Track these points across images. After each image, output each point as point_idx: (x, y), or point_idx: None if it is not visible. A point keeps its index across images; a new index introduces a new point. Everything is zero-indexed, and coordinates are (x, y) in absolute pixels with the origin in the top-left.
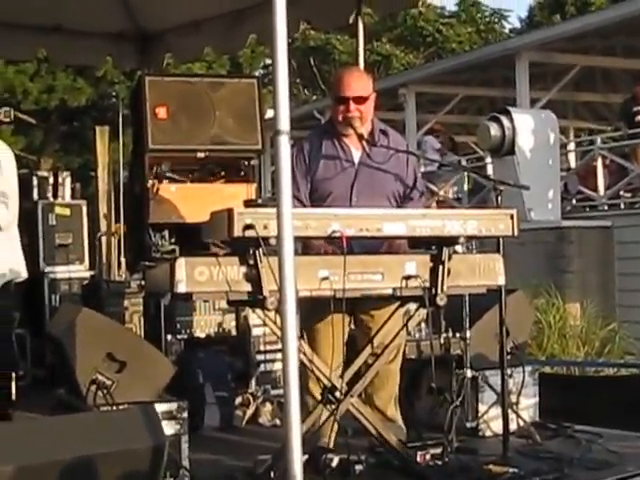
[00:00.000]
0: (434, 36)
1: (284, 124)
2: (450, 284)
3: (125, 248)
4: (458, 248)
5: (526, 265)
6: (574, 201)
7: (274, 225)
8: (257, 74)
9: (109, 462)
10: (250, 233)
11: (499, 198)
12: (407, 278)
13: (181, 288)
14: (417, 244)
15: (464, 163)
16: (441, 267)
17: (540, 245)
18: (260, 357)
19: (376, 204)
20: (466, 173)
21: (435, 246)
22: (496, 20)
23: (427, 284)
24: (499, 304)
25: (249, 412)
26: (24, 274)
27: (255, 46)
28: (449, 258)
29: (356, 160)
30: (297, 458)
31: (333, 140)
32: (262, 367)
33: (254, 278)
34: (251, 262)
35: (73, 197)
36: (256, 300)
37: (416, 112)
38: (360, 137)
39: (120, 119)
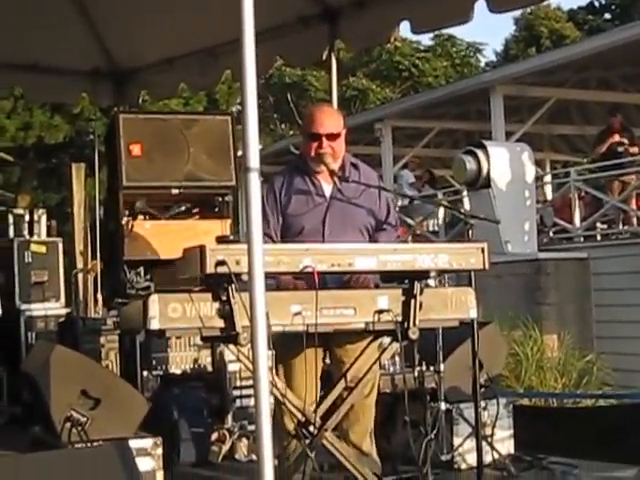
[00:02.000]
0: (410, 70)
1: (254, 161)
2: (422, 318)
3: (101, 285)
4: (430, 282)
5: (503, 297)
6: (550, 233)
7: (246, 261)
8: (233, 110)
9: None
10: (222, 269)
11: (470, 232)
12: (379, 312)
13: (154, 325)
14: (389, 278)
15: (441, 197)
16: (413, 301)
17: (517, 277)
18: (236, 392)
19: (349, 238)
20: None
21: (407, 280)
22: (471, 54)
23: (399, 318)
24: (471, 337)
25: (225, 448)
26: None
27: (231, 82)
28: (421, 292)
29: (327, 195)
30: None
31: (304, 176)
32: (238, 402)
33: (227, 314)
34: (224, 298)
35: (49, 234)
36: (229, 336)
37: (393, 146)
38: (332, 173)
39: (96, 156)
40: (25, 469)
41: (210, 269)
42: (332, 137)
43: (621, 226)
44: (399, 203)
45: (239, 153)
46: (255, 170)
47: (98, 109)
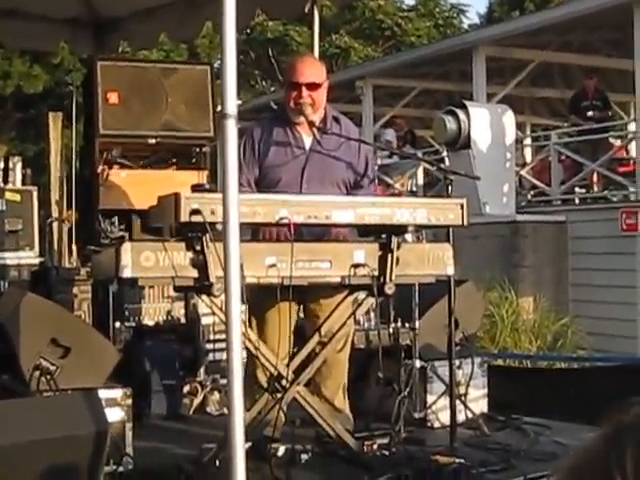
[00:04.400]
0: (392, 29)
1: (231, 108)
2: (399, 273)
3: (76, 235)
4: (408, 237)
5: (480, 259)
6: (529, 196)
7: (221, 210)
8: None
9: (50, 448)
10: (197, 218)
11: (449, 188)
12: (355, 266)
13: (126, 273)
14: (366, 232)
15: (420, 156)
16: (390, 256)
17: (494, 239)
18: (209, 346)
19: (326, 191)
20: (422, 167)
21: (384, 235)
22: (455, 15)
23: (376, 273)
24: (448, 294)
25: (197, 401)
26: None
27: (213, 36)
28: (398, 247)
29: (307, 147)
30: (239, 445)
31: (284, 127)
32: (211, 356)
33: (201, 264)
34: (198, 248)
35: (24, 183)
36: (202, 286)
37: (373, 105)
38: (311, 124)
39: (74, 106)
40: None
41: (184, 217)
42: (312, 87)
43: (596, 189)
44: (378, 162)
45: (218, 108)
46: (232, 117)
47: (78, 60)
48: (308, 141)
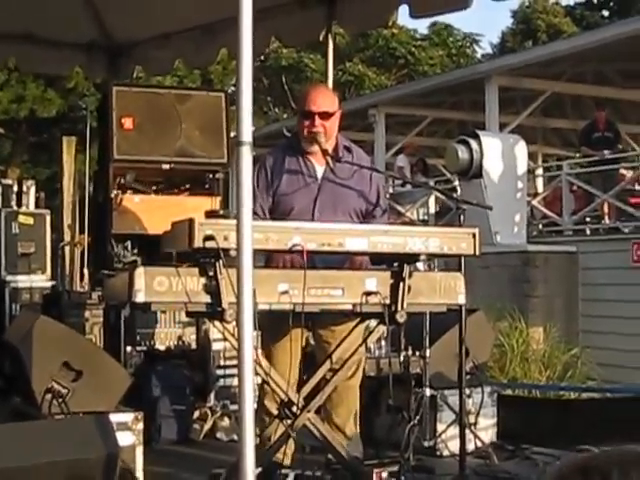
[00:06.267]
0: (406, 58)
1: (246, 135)
2: (410, 301)
3: (88, 259)
4: (419, 265)
5: (491, 288)
6: (540, 226)
7: (235, 237)
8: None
9: (61, 470)
10: (210, 244)
11: (462, 217)
12: (367, 294)
13: (140, 298)
14: (379, 260)
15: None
16: (402, 284)
17: (505, 269)
18: (220, 372)
19: (338, 220)
20: (433, 196)
21: (396, 263)
22: (468, 44)
23: (387, 301)
24: (459, 323)
25: (207, 426)
26: None
27: (227, 62)
28: (410, 275)
29: (319, 175)
30: (250, 471)
31: (297, 155)
32: (221, 382)
33: (213, 290)
34: (211, 274)
35: (37, 206)
36: (215, 312)
37: (386, 133)
38: (324, 152)
39: (88, 131)
40: (3, 439)
41: (198, 243)
42: (325, 116)
43: (607, 220)
44: (390, 190)
45: (232, 134)
46: (247, 144)
47: (92, 85)
48: (320, 170)
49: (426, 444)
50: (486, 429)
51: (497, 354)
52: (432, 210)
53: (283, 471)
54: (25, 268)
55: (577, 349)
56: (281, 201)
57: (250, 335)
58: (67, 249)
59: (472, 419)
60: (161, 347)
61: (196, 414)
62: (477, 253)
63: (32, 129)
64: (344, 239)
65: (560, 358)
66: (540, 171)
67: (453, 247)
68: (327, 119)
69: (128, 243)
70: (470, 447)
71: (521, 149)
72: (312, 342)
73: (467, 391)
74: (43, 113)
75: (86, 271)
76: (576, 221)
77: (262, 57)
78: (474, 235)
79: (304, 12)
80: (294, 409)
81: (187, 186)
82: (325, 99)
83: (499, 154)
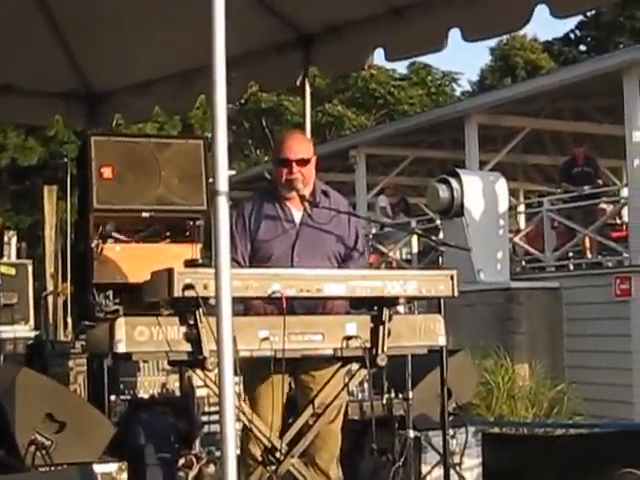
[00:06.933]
0: (385, 98)
1: (223, 185)
2: (391, 344)
3: (71, 308)
4: (399, 309)
5: (475, 326)
6: (523, 262)
7: (214, 285)
8: (207, 136)
9: None
10: (190, 293)
11: (440, 259)
12: (348, 338)
13: (121, 348)
14: (358, 304)
15: (414, 225)
16: (382, 327)
17: (489, 306)
18: (204, 418)
19: (317, 264)
20: (415, 235)
21: (376, 306)
22: (447, 83)
23: (368, 344)
24: (440, 365)
25: (192, 474)
26: None
27: (206, 108)
28: (390, 319)
29: (297, 221)
30: None
31: (274, 202)
32: (206, 428)
33: (194, 338)
34: (191, 322)
35: (19, 256)
36: (196, 360)
37: (367, 174)
38: (302, 198)
39: (69, 179)
40: None
41: (178, 292)
42: (302, 163)
43: (589, 255)
44: (373, 231)
45: (211, 180)
46: (224, 193)
47: (72, 132)
48: (298, 215)
49: None
50: (471, 469)
51: (483, 392)
52: (415, 250)
53: None
54: (8, 319)
55: (563, 385)
56: (260, 247)
57: (231, 383)
58: (50, 298)
59: (457, 459)
60: (145, 395)
61: (181, 461)
62: (455, 295)
63: (14, 177)
64: (322, 285)
65: (546, 394)
66: (522, 208)
67: (431, 289)
68: (304, 165)
69: (110, 292)
70: None
71: (502, 186)
72: (293, 386)
73: (451, 432)
74: (24, 161)
75: (69, 320)
76: (558, 257)
77: (242, 100)
78: (452, 277)
79: (280, 57)
80: (277, 455)
81: (168, 234)
82: (301, 146)
83: (480, 192)
